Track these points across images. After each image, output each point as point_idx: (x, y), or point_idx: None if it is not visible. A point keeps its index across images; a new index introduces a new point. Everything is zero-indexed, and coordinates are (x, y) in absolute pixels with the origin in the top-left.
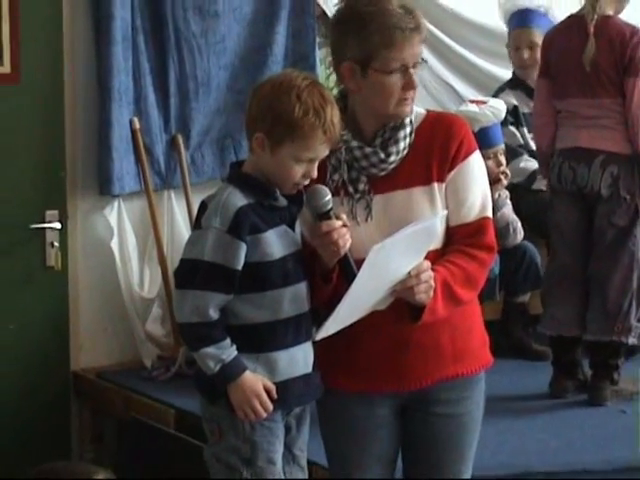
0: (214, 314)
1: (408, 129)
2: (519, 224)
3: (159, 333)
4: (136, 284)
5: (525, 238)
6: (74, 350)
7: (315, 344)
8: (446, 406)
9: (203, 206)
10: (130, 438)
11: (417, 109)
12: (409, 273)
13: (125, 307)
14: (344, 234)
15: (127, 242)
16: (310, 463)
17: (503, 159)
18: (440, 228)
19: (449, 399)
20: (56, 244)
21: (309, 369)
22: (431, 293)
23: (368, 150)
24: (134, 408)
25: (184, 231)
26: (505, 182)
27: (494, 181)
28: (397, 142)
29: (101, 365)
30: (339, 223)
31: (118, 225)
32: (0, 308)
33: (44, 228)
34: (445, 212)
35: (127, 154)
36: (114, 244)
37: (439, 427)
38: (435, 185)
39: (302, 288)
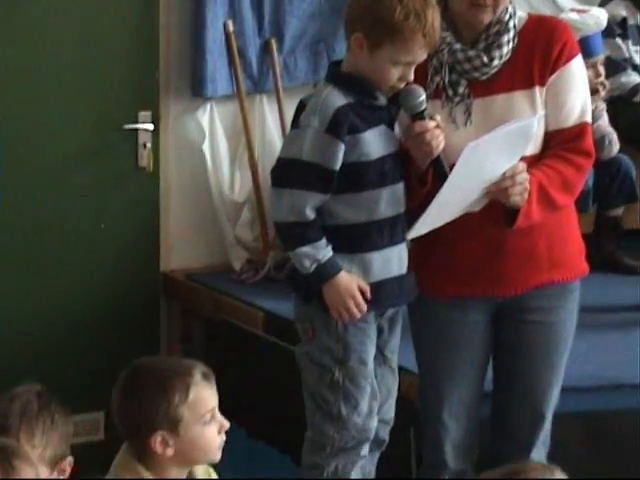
0: (310, 214)
1: (512, 33)
2: (615, 136)
3: (248, 237)
4: (226, 188)
5: (621, 151)
6: (164, 251)
7: (410, 247)
8: (540, 314)
9: (301, 105)
10: (218, 339)
11: (520, 13)
12: (504, 174)
13: (215, 210)
14: (437, 135)
15: (218, 145)
16: (399, 368)
17: (602, 70)
18: (536, 128)
19: (543, 307)
20: (148, 145)
21: (403, 271)
22: (526, 196)
23: (471, 53)
24: (223, 310)
25: (275, 136)
26: (603, 94)
27: (592, 92)
28: (500, 47)
29: (190, 267)
30: (433, 124)
31: (210, 128)
32: (92, 208)
33: (137, 129)
34: (542, 112)
35: (220, 57)
36: (206, 147)
37: (532, 335)
38: (536, 89)
39: (399, 189)
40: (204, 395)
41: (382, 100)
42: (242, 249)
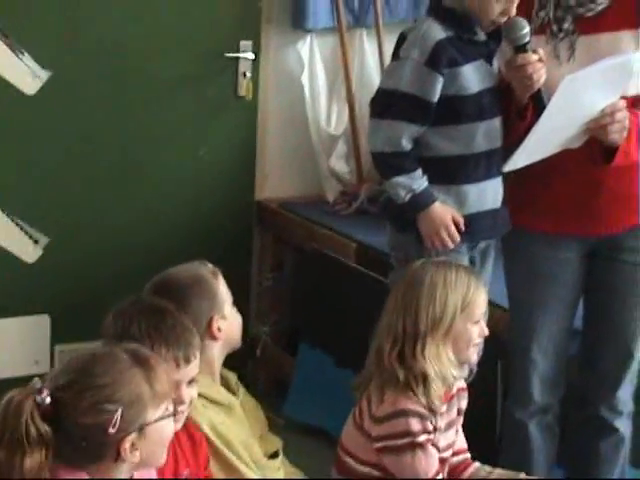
0: (407, 144)
1: None
2: None
3: (343, 170)
4: (323, 120)
5: None
6: (259, 180)
7: (506, 182)
8: (633, 254)
9: (402, 37)
10: (309, 268)
11: None
12: (603, 111)
13: (311, 142)
14: (539, 69)
15: (317, 78)
16: (488, 302)
17: None
18: (636, 66)
19: (637, 247)
20: (248, 74)
21: (498, 205)
22: (625, 134)
23: None
24: (315, 239)
25: (373, 71)
26: None
27: None
28: None
29: (284, 196)
30: (535, 57)
31: (309, 60)
32: (192, 134)
33: (238, 58)
34: None
35: None
36: (304, 78)
37: (624, 275)
38: None
39: (496, 123)
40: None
41: (481, 35)
42: (336, 181)
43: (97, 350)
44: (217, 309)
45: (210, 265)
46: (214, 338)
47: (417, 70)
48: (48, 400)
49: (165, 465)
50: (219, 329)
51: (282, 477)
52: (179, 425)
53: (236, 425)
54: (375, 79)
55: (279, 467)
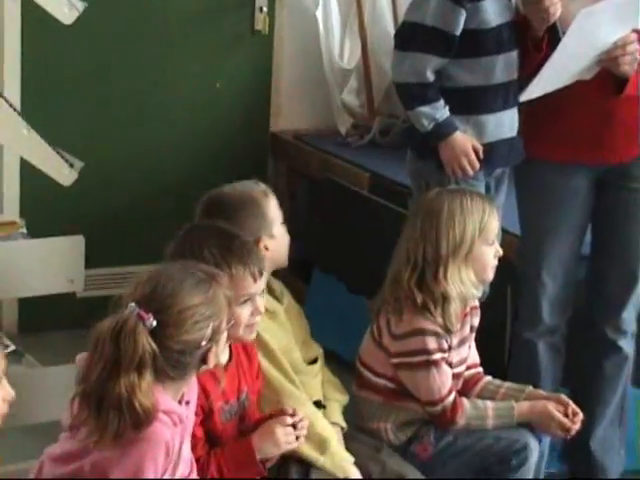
0: (430, 76)
1: None
2: None
3: (355, 103)
4: (336, 54)
5: None
6: (274, 112)
7: (520, 112)
8: None
9: None
10: (323, 198)
11: None
12: (615, 43)
13: (324, 75)
14: (555, 3)
15: (331, 13)
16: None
17: None
18: None
19: None
20: (264, 9)
21: (514, 134)
22: (635, 66)
23: None
24: (329, 169)
25: (385, 7)
26: None
27: None
28: None
29: (298, 128)
30: None
31: None
32: (209, 67)
33: None
34: None
35: None
36: (319, 14)
37: (632, 201)
38: None
39: (513, 56)
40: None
41: None
42: (348, 114)
43: (177, 271)
44: (265, 229)
45: (262, 185)
46: None
47: (441, 4)
48: (154, 323)
49: (230, 381)
50: (266, 247)
51: (319, 382)
52: (253, 335)
53: (279, 330)
54: (387, 15)
55: (317, 373)
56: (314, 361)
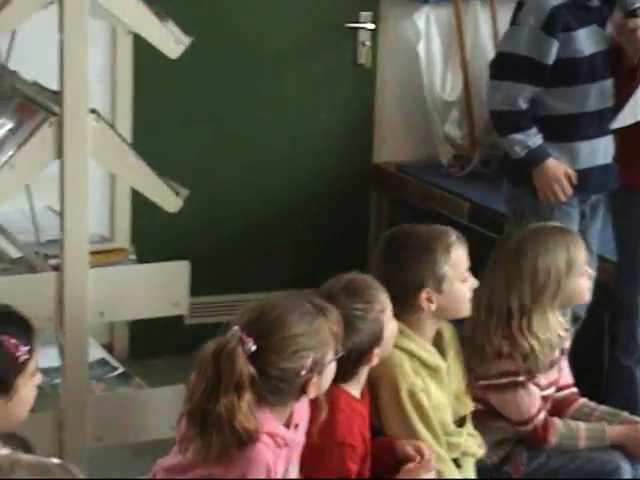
0: (523, 104)
1: None
2: None
3: (456, 135)
4: (438, 87)
5: None
6: (377, 144)
7: (615, 140)
8: None
9: (520, 4)
10: None
11: None
12: None
13: (426, 107)
14: None
15: (433, 47)
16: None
17: None
18: None
19: None
20: (367, 43)
21: (609, 160)
22: None
23: None
24: (430, 199)
25: (487, 41)
26: None
27: None
28: None
29: (400, 159)
30: None
31: (425, 30)
32: (313, 99)
33: (358, 28)
34: None
35: None
36: (420, 48)
37: None
38: None
39: (608, 84)
40: (462, 255)
41: (595, 1)
42: (450, 145)
43: (286, 300)
44: (433, 279)
45: (453, 234)
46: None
47: (534, 35)
48: (254, 348)
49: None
50: (429, 300)
51: (463, 441)
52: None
53: (437, 389)
54: (488, 48)
55: (465, 434)
56: (463, 419)
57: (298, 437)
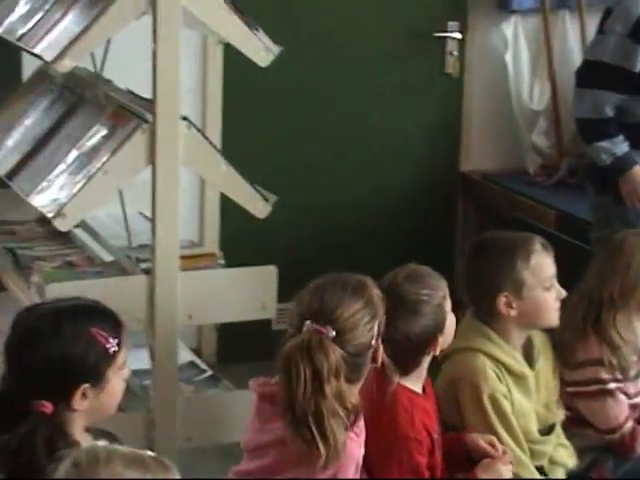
0: (610, 111)
1: None
2: None
3: (544, 144)
4: (526, 96)
5: None
6: (464, 152)
7: None
8: None
9: (607, 12)
10: None
11: None
12: None
13: (514, 117)
14: None
15: (520, 56)
16: None
17: None
18: None
19: None
20: (455, 53)
21: None
22: None
23: None
24: (517, 208)
25: (575, 50)
26: None
27: None
28: None
29: (487, 168)
30: None
31: (513, 39)
32: (401, 108)
33: (445, 37)
34: None
35: None
36: (508, 57)
37: None
38: None
39: None
40: (544, 262)
41: None
42: (537, 155)
43: (333, 283)
44: (512, 285)
45: (539, 241)
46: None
47: (620, 43)
48: (333, 333)
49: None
50: (509, 305)
51: (549, 450)
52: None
53: (522, 397)
54: (576, 58)
55: (553, 443)
56: (552, 428)
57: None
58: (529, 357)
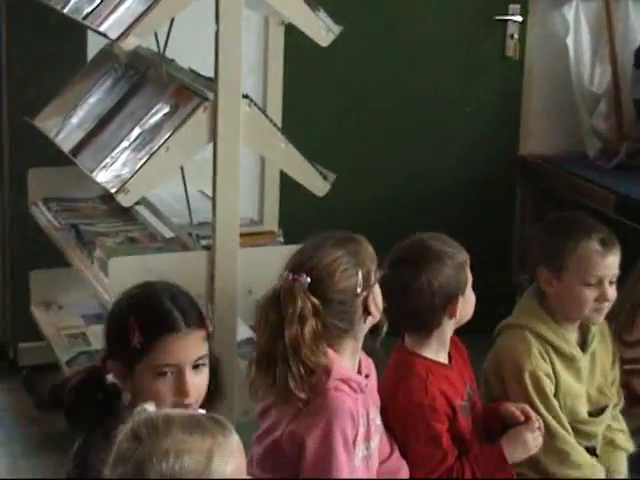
0: None
1: None
2: None
3: (604, 127)
4: (586, 79)
5: None
6: (523, 135)
7: None
8: None
9: None
10: None
11: None
12: None
13: (574, 100)
14: None
15: (581, 40)
16: None
17: None
18: None
19: None
20: (515, 36)
21: None
22: None
23: None
24: (576, 191)
25: (637, 33)
26: None
27: None
28: None
29: (546, 151)
30: None
31: (574, 23)
32: (460, 92)
33: (506, 20)
34: None
35: None
36: (569, 40)
37: None
38: None
39: None
40: (594, 258)
41: None
42: (596, 138)
43: (319, 239)
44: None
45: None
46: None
47: None
48: (308, 280)
49: (458, 378)
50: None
51: (599, 432)
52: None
53: (571, 377)
54: (638, 41)
55: (602, 424)
56: (603, 408)
57: (371, 386)
58: (584, 340)
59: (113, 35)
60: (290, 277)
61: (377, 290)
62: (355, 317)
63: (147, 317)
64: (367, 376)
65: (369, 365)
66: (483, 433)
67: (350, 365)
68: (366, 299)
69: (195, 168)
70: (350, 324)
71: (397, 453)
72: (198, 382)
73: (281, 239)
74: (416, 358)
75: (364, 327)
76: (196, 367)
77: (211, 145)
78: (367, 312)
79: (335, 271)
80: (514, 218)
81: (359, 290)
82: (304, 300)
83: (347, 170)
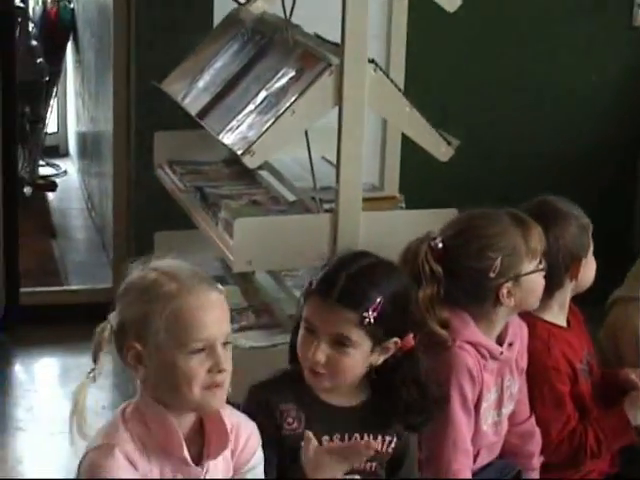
0: None
1: None
2: None
3: None
4: None
5: None
6: None
7: None
8: None
9: None
10: None
11: None
12: None
13: None
14: None
15: None
16: None
17: None
18: None
19: None
20: None
21: None
22: None
23: None
24: None
25: None
26: None
27: None
28: None
29: None
30: None
31: None
32: (585, 60)
33: None
34: None
35: None
36: None
37: None
38: None
39: None
40: None
41: None
42: None
43: (481, 210)
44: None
45: None
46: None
47: None
48: (440, 245)
49: (577, 341)
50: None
51: None
52: None
53: None
54: None
55: None
56: None
57: (510, 354)
58: None
59: None
60: (428, 237)
61: (530, 284)
62: (483, 301)
63: None
64: (511, 345)
65: (519, 333)
66: (602, 398)
67: (486, 332)
68: (499, 287)
69: (318, 134)
70: (475, 305)
71: (534, 419)
72: None
73: (403, 205)
74: (537, 321)
75: (501, 310)
76: None
77: (334, 111)
78: (498, 301)
79: (470, 245)
80: (637, 191)
81: (492, 275)
82: (425, 260)
83: (470, 136)
